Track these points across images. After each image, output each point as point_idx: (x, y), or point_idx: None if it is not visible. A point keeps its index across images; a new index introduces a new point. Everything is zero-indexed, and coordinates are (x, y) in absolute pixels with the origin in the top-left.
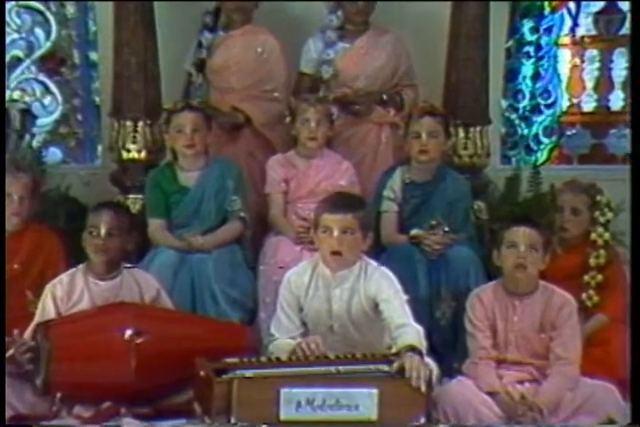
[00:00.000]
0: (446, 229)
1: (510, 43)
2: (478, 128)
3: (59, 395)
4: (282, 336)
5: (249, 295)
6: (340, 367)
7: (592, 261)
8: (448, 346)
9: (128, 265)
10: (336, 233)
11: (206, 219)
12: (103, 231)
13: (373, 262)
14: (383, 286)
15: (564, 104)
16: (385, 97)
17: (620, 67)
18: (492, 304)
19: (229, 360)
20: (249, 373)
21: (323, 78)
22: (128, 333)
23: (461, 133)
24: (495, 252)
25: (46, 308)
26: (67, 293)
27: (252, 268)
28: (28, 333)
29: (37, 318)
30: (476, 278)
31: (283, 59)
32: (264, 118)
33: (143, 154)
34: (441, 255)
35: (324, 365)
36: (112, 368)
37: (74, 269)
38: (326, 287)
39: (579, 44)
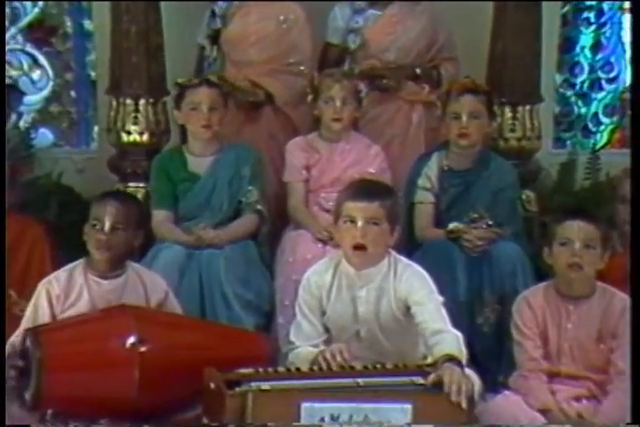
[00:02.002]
0: (490, 222)
1: (567, 8)
2: (528, 107)
3: (50, 410)
4: (302, 344)
5: (265, 297)
6: (369, 380)
7: None
8: (492, 356)
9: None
10: (360, 223)
11: (217, 211)
12: (107, 225)
13: (404, 259)
14: (415, 287)
15: (629, 79)
16: (418, 71)
17: None
18: (542, 309)
19: (243, 371)
20: (265, 385)
21: (349, 49)
22: (130, 340)
23: (508, 113)
24: (546, 249)
25: (39, 308)
26: (64, 291)
27: (269, 266)
28: (13, 339)
29: (28, 321)
30: (523, 279)
31: (307, 28)
32: (287, 95)
33: (145, 136)
34: (483, 252)
35: (350, 376)
36: (112, 380)
37: (72, 264)
38: (350, 288)
39: None
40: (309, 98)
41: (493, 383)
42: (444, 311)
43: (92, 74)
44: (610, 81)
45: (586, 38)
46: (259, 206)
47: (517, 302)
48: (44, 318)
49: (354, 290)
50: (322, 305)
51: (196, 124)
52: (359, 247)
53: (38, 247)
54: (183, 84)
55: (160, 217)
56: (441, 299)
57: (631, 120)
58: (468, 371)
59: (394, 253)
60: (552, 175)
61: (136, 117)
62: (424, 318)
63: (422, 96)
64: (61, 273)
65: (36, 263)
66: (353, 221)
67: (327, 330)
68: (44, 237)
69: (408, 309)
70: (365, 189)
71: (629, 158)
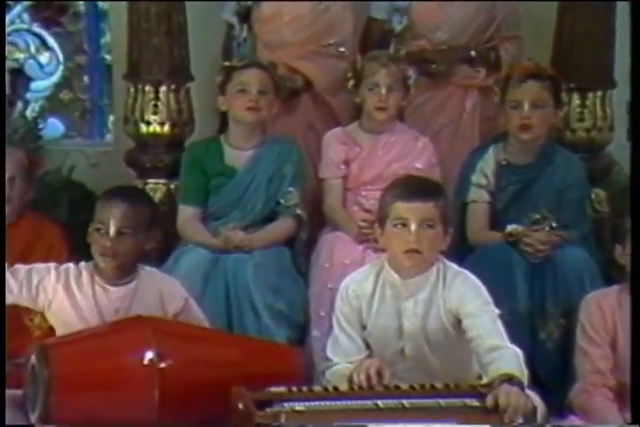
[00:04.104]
0: (554, 224)
1: None
2: (599, 93)
3: None
4: (341, 361)
5: (298, 307)
6: (415, 401)
7: None
8: (557, 376)
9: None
10: (414, 226)
11: (249, 211)
12: (113, 230)
13: (454, 266)
14: (468, 297)
15: None
16: (473, 54)
17: None
18: (613, 312)
19: (275, 390)
20: (299, 405)
21: (394, 30)
22: (149, 356)
23: (576, 100)
24: (619, 247)
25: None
26: (65, 284)
27: (303, 274)
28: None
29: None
30: (592, 289)
31: (349, 5)
32: (326, 80)
33: (166, 127)
34: (547, 258)
35: (395, 397)
36: (129, 400)
37: (83, 263)
38: (395, 298)
39: None
40: (350, 84)
41: (559, 407)
42: (500, 325)
43: (107, 57)
44: None
45: None
46: (298, 210)
47: (586, 303)
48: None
49: (399, 301)
50: (361, 318)
51: (241, 106)
52: (412, 251)
53: (56, 250)
54: (231, 66)
55: (187, 214)
56: (497, 311)
57: (631, 120)
58: (529, 393)
59: (443, 259)
60: (625, 171)
61: (156, 106)
62: (478, 332)
63: (477, 81)
64: (73, 267)
65: None
66: (405, 224)
67: (368, 346)
68: (62, 239)
69: (459, 322)
70: (417, 187)
71: (630, 158)
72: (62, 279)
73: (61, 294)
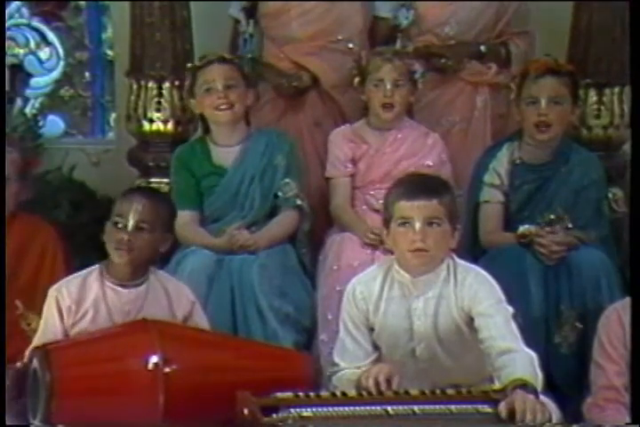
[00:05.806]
0: (570, 225)
1: None
2: (616, 89)
3: None
4: (348, 365)
5: (305, 311)
6: (426, 407)
7: None
8: (572, 382)
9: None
10: (418, 225)
11: (248, 208)
12: (131, 223)
13: (464, 262)
14: (480, 295)
15: None
16: (484, 49)
17: None
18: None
19: (281, 395)
20: (307, 411)
21: (400, 26)
22: (153, 360)
23: (593, 97)
24: None
25: (49, 321)
26: (75, 301)
27: (310, 275)
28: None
29: (40, 337)
30: (609, 292)
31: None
32: (335, 77)
33: (170, 125)
34: (562, 260)
35: (405, 403)
36: (133, 406)
37: (87, 269)
38: (404, 298)
39: None
40: (356, 81)
41: (575, 414)
42: (514, 326)
43: (109, 53)
44: None
45: None
46: (298, 201)
47: (606, 316)
48: (57, 333)
49: (409, 301)
50: (368, 320)
51: (211, 105)
52: (419, 250)
53: (50, 252)
54: (194, 67)
55: (185, 218)
56: (511, 310)
57: (631, 120)
58: (544, 399)
59: (453, 256)
60: None
61: (159, 103)
62: (490, 333)
63: (488, 77)
64: (73, 280)
65: (47, 270)
66: (409, 223)
67: (377, 348)
68: (57, 241)
69: (472, 320)
70: (420, 184)
71: (630, 157)
72: (66, 298)
73: (73, 309)
